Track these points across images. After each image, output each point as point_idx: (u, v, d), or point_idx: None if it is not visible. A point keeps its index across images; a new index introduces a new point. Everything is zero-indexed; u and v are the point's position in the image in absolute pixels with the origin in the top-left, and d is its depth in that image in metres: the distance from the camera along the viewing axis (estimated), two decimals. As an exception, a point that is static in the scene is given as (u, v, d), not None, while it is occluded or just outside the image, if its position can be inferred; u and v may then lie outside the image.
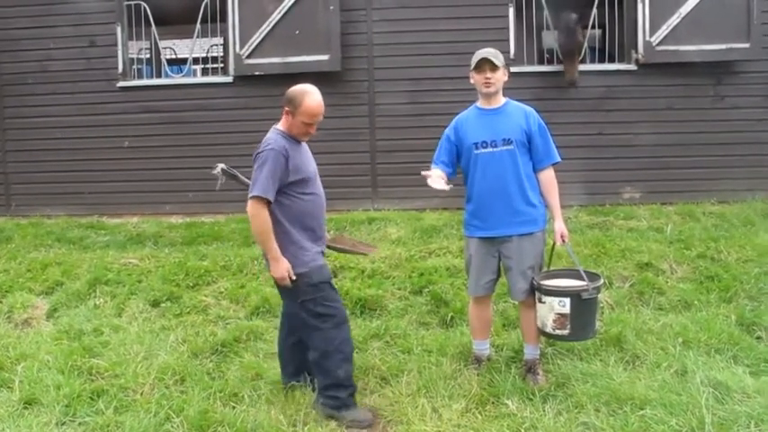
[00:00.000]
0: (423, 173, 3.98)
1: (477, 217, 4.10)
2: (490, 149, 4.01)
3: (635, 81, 7.70)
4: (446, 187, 3.86)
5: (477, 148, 4.04)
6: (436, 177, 3.93)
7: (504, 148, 3.99)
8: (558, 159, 4.09)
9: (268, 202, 3.60)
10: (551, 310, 3.87)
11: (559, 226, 4.07)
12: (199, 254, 6.41)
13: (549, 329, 3.93)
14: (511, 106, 4.10)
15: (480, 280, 4.15)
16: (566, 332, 3.89)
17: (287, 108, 3.71)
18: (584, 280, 3.93)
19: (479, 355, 4.32)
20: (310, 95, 3.69)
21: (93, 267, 6.16)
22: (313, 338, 3.78)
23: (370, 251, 4.58)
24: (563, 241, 4.06)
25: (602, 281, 4.01)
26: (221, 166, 4.24)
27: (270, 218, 3.62)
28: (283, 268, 3.62)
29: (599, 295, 3.96)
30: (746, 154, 7.64)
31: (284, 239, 3.68)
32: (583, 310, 3.84)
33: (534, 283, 4.00)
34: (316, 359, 3.79)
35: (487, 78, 4.00)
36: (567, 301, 3.83)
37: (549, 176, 4.08)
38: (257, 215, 3.59)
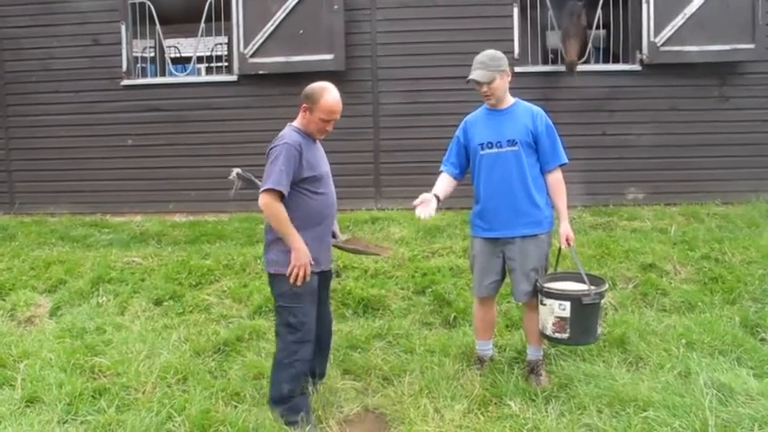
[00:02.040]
0: (414, 203, 3.99)
1: (482, 217, 4.10)
2: (495, 150, 4.01)
3: (639, 81, 7.69)
4: (428, 217, 3.90)
5: (482, 148, 4.05)
6: (424, 204, 3.93)
7: (509, 149, 3.98)
8: (566, 161, 4.08)
9: (281, 195, 3.57)
10: (552, 312, 3.87)
11: (565, 228, 4.05)
12: (202, 253, 6.41)
13: (548, 332, 3.92)
14: (519, 107, 4.09)
15: (484, 280, 4.14)
16: (565, 336, 3.88)
17: (305, 104, 3.72)
18: (599, 282, 3.92)
19: (482, 356, 4.31)
20: (329, 92, 3.71)
21: (96, 266, 6.17)
22: (277, 342, 3.82)
23: (384, 252, 4.53)
24: (568, 244, 4.04)
25: (606, 286, 3.97)
26: (236, 170, 4.21)
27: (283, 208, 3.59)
28: (304, 256, 3.59)
29: (603, 300, 3.91)
30: (751, 155, 7.61)
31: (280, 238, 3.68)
32: (583, 314, 3.81)
33: (537, 285, 3.99)
34: (273, 363, 3.82)
35: (484, 92, 4.02)
36: (568, 304, 3.81)
37: (556, 178, 4.06)
38: (270, 205, 3.56)
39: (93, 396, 3.96)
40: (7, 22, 8.21)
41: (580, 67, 7.59)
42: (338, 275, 5.75)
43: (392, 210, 7.52)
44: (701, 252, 6.00)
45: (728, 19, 7.36)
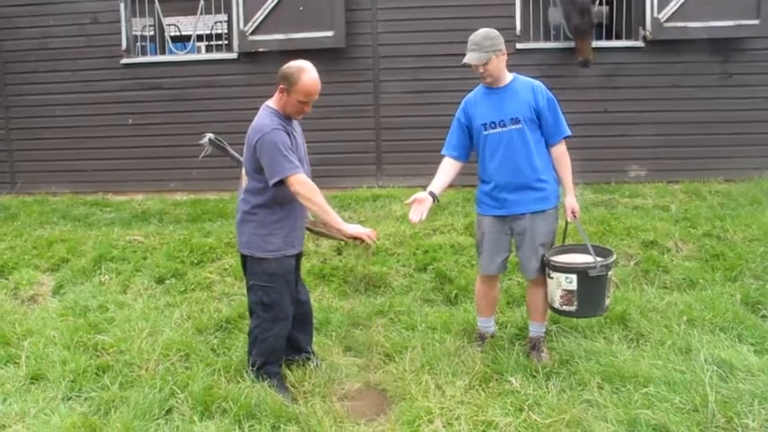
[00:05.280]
0: (407, 201, 3.99)
1: (490, 196, 4.07)
2: (499, 129, 3.97)
3: (642, 58, 7.64)
4: (419, 221, 3.90)
5: (485, 128, 4.01)
6: (417, 205, 3.92)
7: (513, 127, 3.95)
8: (569, 133, 4.03)
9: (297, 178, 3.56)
10: (559, 285, 3.88)
11: (570, 201, 4.04)
12: (203, 231, 6.42)
13: (556, 305, 3.94)
14: (518, 83, 4.04)
15: (495, 258, 4.11)
16: (573, 308, 3.89)
17: (282, 85, 3.63)
18: (606, 253, 3.92)
19: (484, 333, 4.32)
20: (307, 73, 3.60)
21: (99, 244, 6.18)
22: (252, 320, 3.91)
23: None
24: (573, 217, 4.03)
25: (614, 257, 3.96)
26: (209, 135, 4.21)
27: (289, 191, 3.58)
28: (357, 230, 3.64)
29: (610, 272, 3.90)
30: (754, 132, 7.59)
31: (258, 221, 3.70)
32: (590, 286, 3.82)
33: (544, 258, 3.99)
34: (249, 338, 3.93)
35: (481, 73, 3.97)
36: (574, 277, 3.82)
37: (560, 151, 4.03)
38: (301, 190, 3.55)
39: (96, 373, 3.99)
40: (5, 0, 8.15)
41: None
42: (340, 253, 5.76)
43: (393, 187, 7.52)
44: (702, 229, 5.99)
45: (733, -6, 7.31)
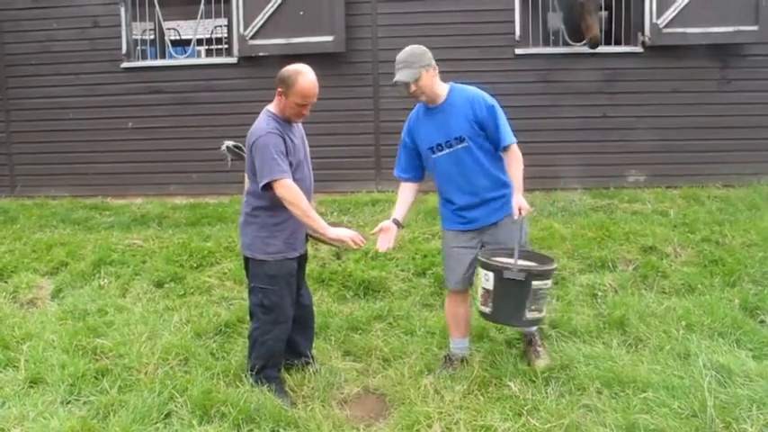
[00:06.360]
0: (373, 231, 3.95)
1: (454, 213, 4.01)
2: (446, 151, 3.90)
3: (641, 64, 7.64)
4: (384, 249, 3.90)
5: (433, 152, 3.94)
6: (384, 234, 3.89)
7: (459, 146, 3.87)
8: (514, 141, 3.84)
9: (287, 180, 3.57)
10: (481, 283, 3.75)
11: (517, 199, 3.78)
12: (203, 235, 6.43)
13: (478, 304, 3.80)
14: (455, 96, 3.94)
15: (459, 272, 4.03)
16: (488, 310, 3.71)
17: (280, 88, 3.66)
18: (544, 263, 3.76)
19: (453, 354, 4.13)
20: (304, 75, 3.63)
21: (98, 248, 6.18)
22: (252, 323, 3.93)
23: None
24: (519, 214, 3.77)
25: (547, 268, 3.72)
26: (227, 143, 4.23)
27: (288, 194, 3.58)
28: (341, 234, 3.64)
29: (542, 282, 3.64)
30: (752, 138, 7.60)
31: (259, 224, 3.73)
32: (505, 290, 3.60)
33: (478, 255, 3.85)
34: (249, 341, 3.94)
35: (413, 92, 3.90)
36: (491, 275, 3.63)
37: (509, 155, 3.85)
38: (286, 195, 3.56)
39: (95, 377, 4.00)
40: (7, 3, 8.17)
41: (580, 50, 7.54)
42: (339, 257, 5.76)
43: (392, 192, 7.49)
44: (701, 234, 6.00)
45: (732, 0, 7.31)
